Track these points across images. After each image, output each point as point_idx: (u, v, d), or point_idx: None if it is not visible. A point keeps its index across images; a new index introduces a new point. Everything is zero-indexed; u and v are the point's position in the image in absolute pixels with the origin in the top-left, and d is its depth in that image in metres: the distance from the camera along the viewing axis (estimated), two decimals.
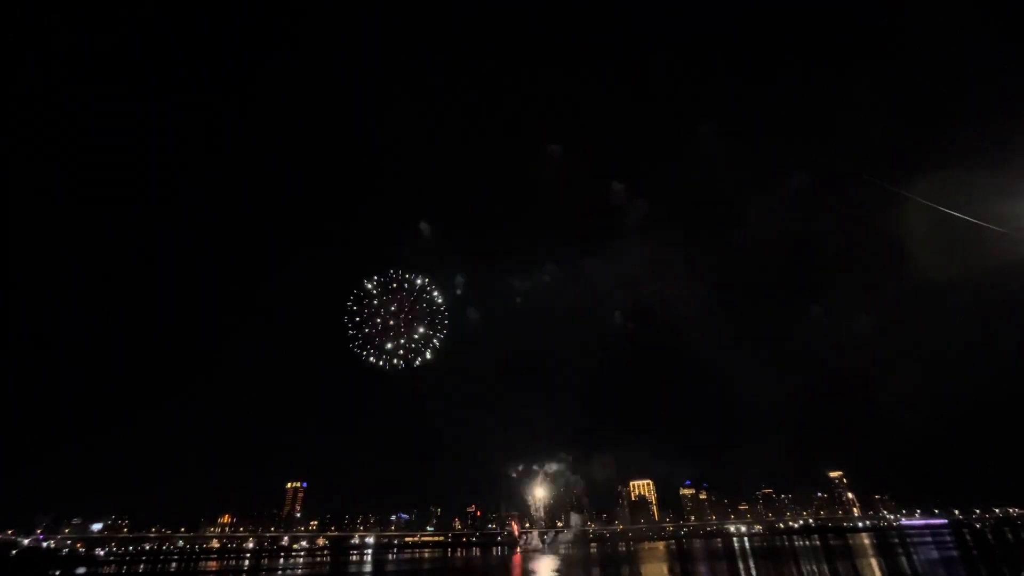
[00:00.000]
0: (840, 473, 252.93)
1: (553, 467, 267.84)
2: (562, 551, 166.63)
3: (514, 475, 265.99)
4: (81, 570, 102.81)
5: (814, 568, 65.39)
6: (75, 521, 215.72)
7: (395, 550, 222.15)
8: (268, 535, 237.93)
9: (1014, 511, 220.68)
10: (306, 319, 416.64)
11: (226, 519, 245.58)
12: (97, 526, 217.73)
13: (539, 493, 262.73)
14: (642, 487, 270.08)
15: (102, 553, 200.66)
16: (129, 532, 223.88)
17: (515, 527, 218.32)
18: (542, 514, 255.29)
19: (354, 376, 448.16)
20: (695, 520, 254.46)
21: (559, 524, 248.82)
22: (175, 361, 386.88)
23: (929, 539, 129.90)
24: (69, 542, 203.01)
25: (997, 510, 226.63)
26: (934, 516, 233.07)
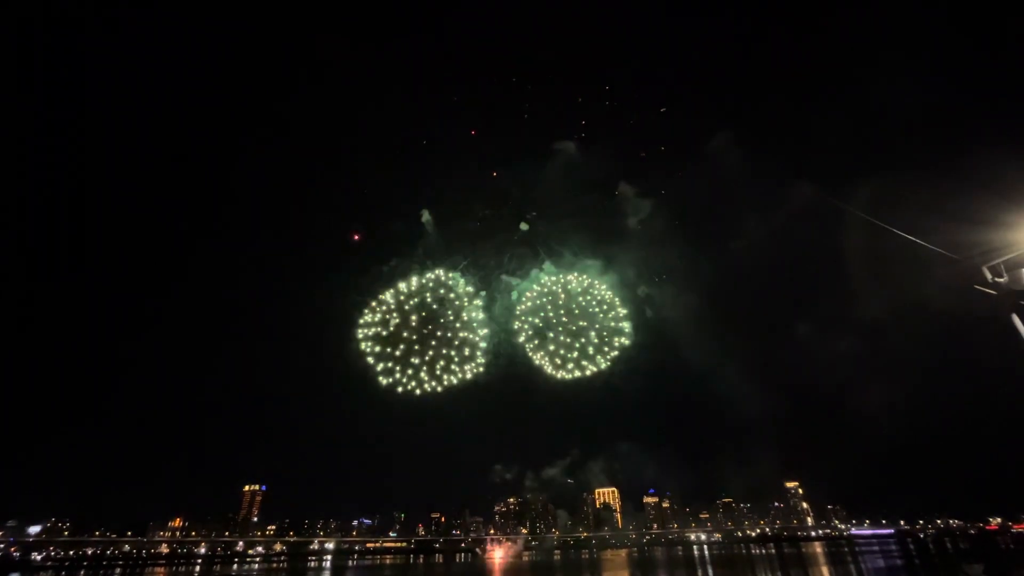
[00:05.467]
0: (796, 483, 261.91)
1: (519, 474, 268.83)
2: (525, 558, 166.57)
3: (480, 482, 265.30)
4: (15, 575, 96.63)
5: None
6: (10, 523, 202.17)
7: (355, 556, 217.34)
8: (222, 540, 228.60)
9: (954, 523, 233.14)
10: (271, 316, 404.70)
11: (177, 523, 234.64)
12: (35, 529, 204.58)
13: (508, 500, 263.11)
14: (607, 495, 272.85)
15: (39, 558, 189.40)
16: (70, 535, 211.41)
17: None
18: (507, 521, 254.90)
19: (317, 377, 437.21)
20: (657, 528, 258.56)
21: (523, 531, 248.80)
22: (125, 352, 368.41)
23: (876, 548, 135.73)
24: (2, 546, 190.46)
25: (939, 521, 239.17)
26: (882, 526, 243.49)
